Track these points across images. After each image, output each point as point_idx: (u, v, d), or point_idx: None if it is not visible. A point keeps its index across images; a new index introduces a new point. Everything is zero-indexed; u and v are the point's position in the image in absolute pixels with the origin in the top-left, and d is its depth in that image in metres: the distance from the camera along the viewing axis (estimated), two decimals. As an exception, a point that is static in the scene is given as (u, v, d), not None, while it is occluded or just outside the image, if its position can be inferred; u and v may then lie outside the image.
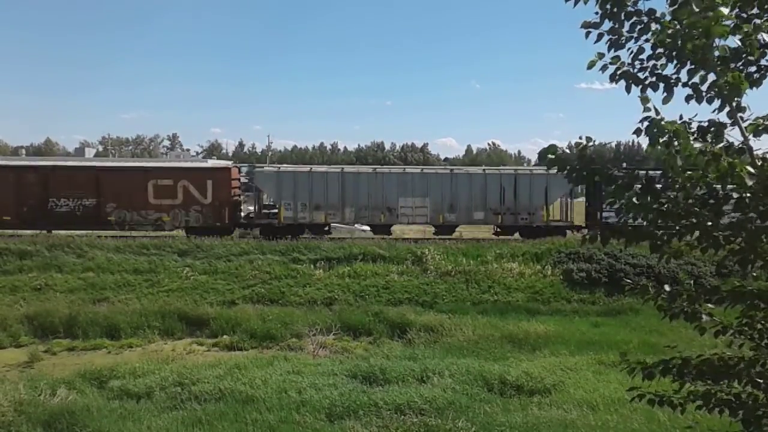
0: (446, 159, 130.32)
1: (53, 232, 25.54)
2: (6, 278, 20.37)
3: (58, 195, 25.63)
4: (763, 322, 3.86)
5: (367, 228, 27.41)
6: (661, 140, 3.30)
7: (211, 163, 34.11)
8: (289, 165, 37.66)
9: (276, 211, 26.41)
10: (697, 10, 3.12)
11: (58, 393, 11.49)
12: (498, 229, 26.92)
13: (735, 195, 3.31)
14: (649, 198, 3.40)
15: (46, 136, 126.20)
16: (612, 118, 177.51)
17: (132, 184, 25.74)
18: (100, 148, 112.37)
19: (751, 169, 3.14)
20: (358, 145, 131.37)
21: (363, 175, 26.51)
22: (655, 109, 3.31)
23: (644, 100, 3.34)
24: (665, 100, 3.35)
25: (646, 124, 3.31)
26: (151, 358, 14.43)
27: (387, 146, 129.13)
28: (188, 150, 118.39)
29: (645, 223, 3.55)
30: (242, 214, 27.87)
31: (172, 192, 25.70)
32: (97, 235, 24.72)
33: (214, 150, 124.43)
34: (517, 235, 26.04)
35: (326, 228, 26.41)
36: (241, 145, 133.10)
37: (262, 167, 29.16)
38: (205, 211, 25.73)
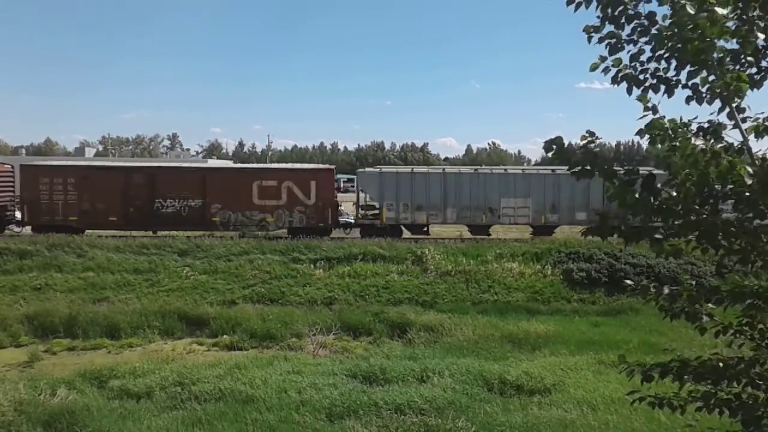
0: (446, 159, 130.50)
1: (158, 232, 25.71)
2: (6, 278, 20.36)
3: (164, 196, 25.78)
4: (764, 322, 3.85)
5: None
6: (660, 138, 3.31)
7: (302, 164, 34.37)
8: (391, 166, 37.74)
9: (377, 211, 26.58)
10: (692, 12, 3.13)
11: (58, 393, 11.49)
12: None
13: (733, 194, 3.31)
14: (651, 198, 3.40)
15: (46, 136, 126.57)
16: (612, 117, 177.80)
17: (237, 185, 25.89)
18: (100, 148, 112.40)
19: (750, 169, 3.15)
20: (358, 145, 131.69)
21: (465, 176, 26.61)
22: (654, 108, 3.31)
23: (644, 99, 3.35)
24: (642, 98, 3.36)
25: (646, 122, 3.32)
26: (151, 358, 14.42)
27: (387, 146, 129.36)
28: (188, 150, 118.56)
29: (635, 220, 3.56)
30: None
31: (276, 193, 25.86)
32: (97, 235, 24.73)
33: (214, 150, 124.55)
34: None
35: (425, 228, 26.50)
36: (241, 144, 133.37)
37: (364, 169, 29.24)
38: (308, 212, 25.89)
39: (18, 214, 26.52)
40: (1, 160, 32.16)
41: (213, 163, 40.94)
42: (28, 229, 25.96)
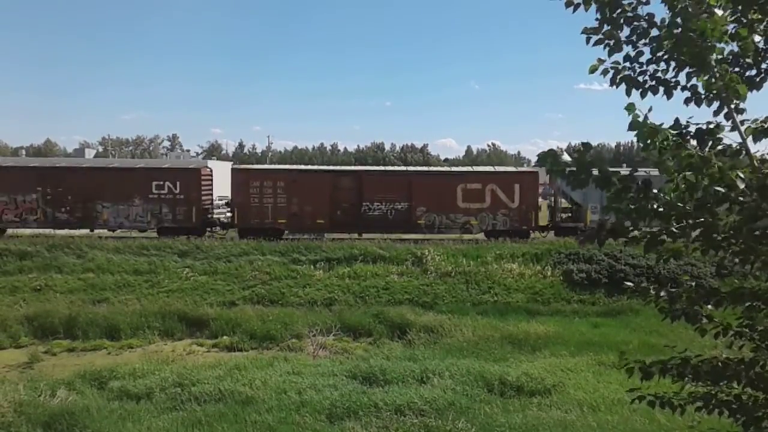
0: (446, 159, 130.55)
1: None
2: (6, 279, 20.36)
3: (371, 199, 25.99)
4: (764, 323, 3.84)
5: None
6: (652, 143, 3.31)
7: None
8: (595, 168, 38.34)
9: (570, 214, 26.87)
10: (691, 11, 3.13)
11: (57, 394, 11.50)
12: None
13: (728, 198, 3.30)
14: (648, 204, 3.39)
15: (46, 137, 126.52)
16: (611, 118, 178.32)
17: (442, 188, 26.13)
18: (100, 149, 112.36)
19: (741, 174, 3.14)
20: (358, 146, 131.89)
21: None
22: (643, 114, 3.29)
23: (631, 108, 3.31)
24: (630, 107, 3.35)
25: (636, 132, 3.32)
26: (151, 359, 14.42)
27: (387, 147, 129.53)
28: (188, 150, 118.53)
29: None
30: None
31: (479, 196, 26.00)
32: (98, 236, 24.70)
33: (214, 150, 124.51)
34: None
35: None
36: (241, 145, 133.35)
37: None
38: (512, 215, 26.02)
39: (223, 217, 27.15)
40: (202, 163, 32.61)
41: (418, 167, 42.21)
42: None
